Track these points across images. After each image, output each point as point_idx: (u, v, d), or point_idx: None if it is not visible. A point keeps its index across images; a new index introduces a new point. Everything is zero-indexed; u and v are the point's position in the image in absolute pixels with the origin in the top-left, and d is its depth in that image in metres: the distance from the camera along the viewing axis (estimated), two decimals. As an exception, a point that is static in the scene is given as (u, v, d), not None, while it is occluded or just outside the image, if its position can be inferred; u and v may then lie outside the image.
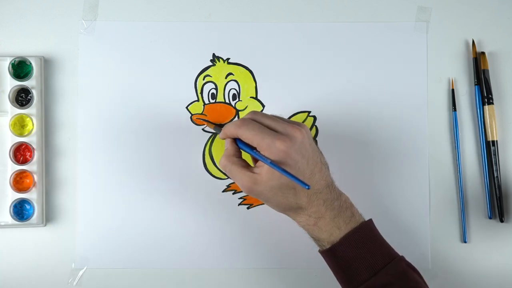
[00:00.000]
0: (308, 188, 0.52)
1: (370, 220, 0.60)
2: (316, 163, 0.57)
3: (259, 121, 0.57)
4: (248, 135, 0.56)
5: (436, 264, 0.70)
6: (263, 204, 0.71)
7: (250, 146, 0.57)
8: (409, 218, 0.71)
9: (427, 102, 0.72)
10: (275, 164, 0.54)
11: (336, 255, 0.57)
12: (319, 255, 0.60)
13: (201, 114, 0.72)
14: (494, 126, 0.71)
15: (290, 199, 0.56)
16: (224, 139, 0.60)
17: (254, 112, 0.59)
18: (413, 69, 0.72)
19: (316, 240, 0.59)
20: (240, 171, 0.57)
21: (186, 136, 0.71)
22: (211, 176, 0.71)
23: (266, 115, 0.58)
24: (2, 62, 0.70)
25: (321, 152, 0.59)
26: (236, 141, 0.59)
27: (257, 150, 0.56)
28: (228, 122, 0.58)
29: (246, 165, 0.58)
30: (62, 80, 0.72)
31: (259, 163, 0.57)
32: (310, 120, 0.72)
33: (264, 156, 0.55)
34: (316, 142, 0.72)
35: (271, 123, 0.57)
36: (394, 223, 0.71)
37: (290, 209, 0.58)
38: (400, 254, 0.59)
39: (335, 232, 0.57)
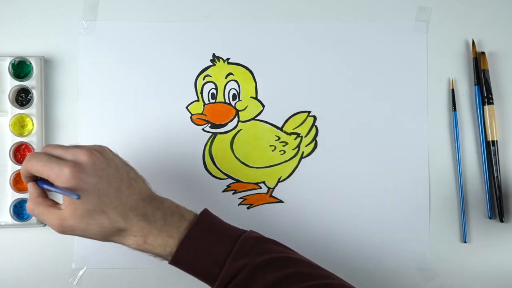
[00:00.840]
0: (78, 198, 0.51)
1: (204, 210, 0.57)
2: (122, 180, 0.55)
3: (49, 152, 0.54)
4: (37, 168, 0.53)
5: (436, 264, 0.70)
6: (264, 204, 0.71)
7: (48, 181, 0.54)
8: (409, 218, 0.71)
9: (427, 102, 0.72)
10: (65, 190, 0.52)
11: (181, 263, 0.55)
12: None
13: (201, 114, 0.72)
14: (494, 126, 0.71)
15: (105, 224, 0.54)
16: (27, 182, 0.56)
17: (47, 145, 0.56)
18: (413, 69, 0.72)
19: (157, 257, 0.56)
20: (47, 211, 0.54)
21: (186, 136, 0.71)
22: (211, 176, 0.71)
23: (59, 146, 0.55)
24: (2, 62, 0.70)
25: (131, 167, 0.57)
26: (38, 182, 0.56)
27: (51, 183, 0.53)
28: None
29: (53, 204, 0.55)
30: (62, 80, 0.72)
31: (63, 198, 0.54)
32: (310, 120, 0.72)
33: (58, 186, 0.52)
34: (315, 142, 0.72)
35: (61, 152, 0.54)
36: (394, 223, 0.71)
37: (112, 234, 0.55)
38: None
39: (168, 242, 0.54)
